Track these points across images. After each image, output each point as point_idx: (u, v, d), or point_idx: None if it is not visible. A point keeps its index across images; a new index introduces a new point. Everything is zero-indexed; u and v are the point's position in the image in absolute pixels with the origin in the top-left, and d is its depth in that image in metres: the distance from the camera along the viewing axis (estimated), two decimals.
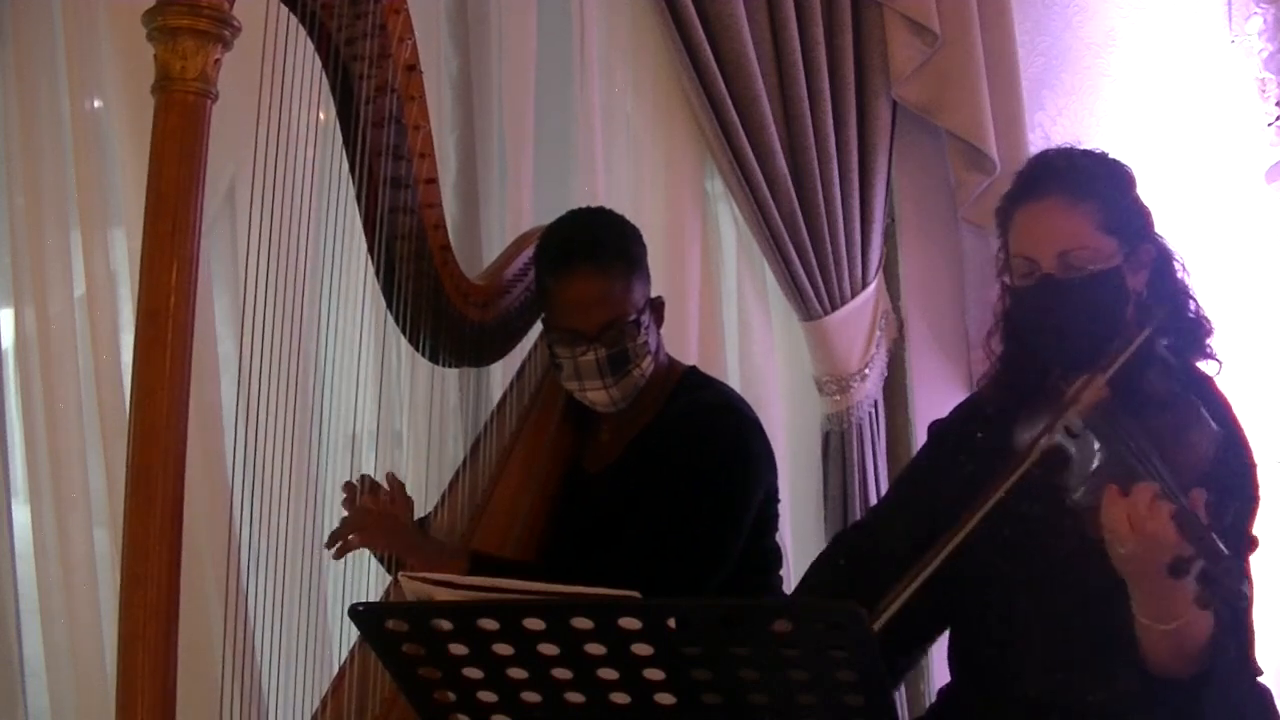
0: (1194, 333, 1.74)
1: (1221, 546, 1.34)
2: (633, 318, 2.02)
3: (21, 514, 2.52)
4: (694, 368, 2.23)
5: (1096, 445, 1.50)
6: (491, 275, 2.16)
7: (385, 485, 2.03)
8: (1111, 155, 1.78)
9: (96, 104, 2.53)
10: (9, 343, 2.55)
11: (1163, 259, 1.74)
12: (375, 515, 1.98)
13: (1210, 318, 1.75)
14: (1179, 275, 1.75)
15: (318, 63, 1.73)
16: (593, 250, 2.02)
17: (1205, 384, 1.71)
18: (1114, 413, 1.50)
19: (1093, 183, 1.71)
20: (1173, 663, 1.52)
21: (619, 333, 2.00)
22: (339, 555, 1.96)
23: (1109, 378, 1.52)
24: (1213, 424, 1.52)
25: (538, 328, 2.27)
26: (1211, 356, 1.74)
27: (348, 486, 2.01)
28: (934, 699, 1.97)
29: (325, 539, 1.96)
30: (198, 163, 1.46)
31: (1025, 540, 1.67)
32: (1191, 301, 1.75)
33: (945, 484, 1.76)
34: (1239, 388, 2.76)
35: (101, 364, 2.47)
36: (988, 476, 1.56)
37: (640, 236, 2.12)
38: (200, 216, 1.48)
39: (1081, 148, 1.80)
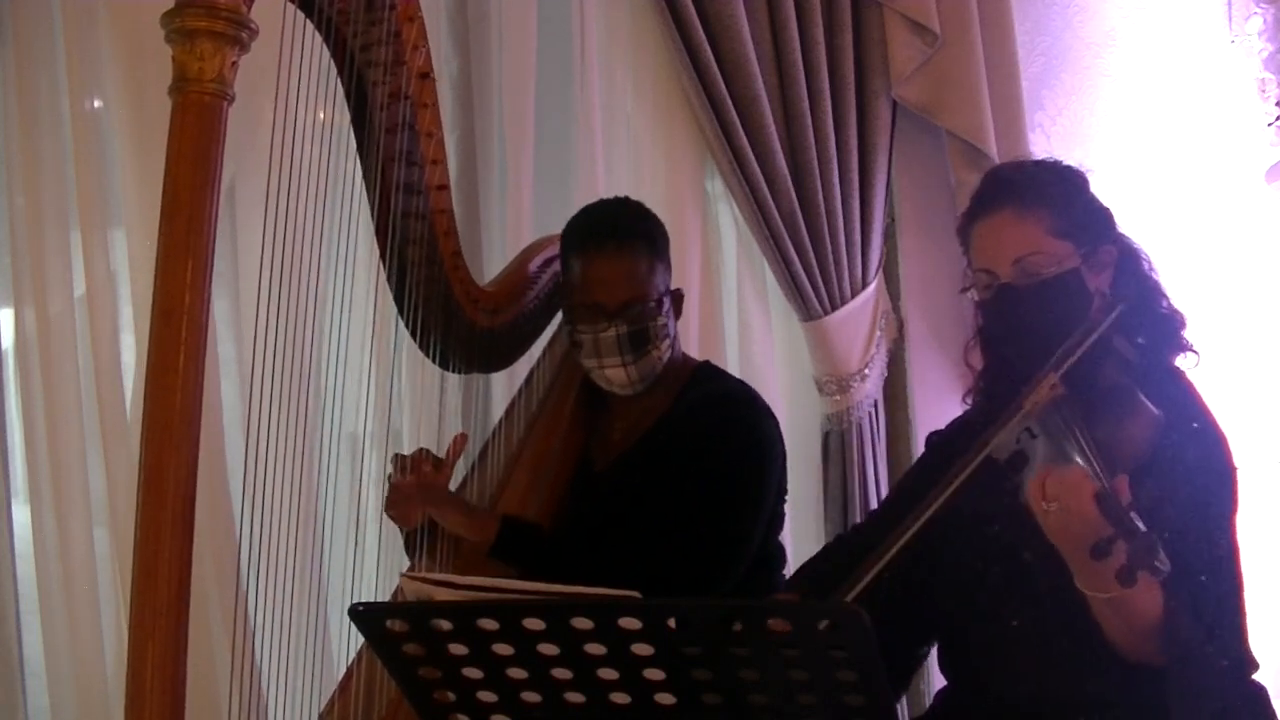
0: (1166, 329, 1.75)
1: (1139, 525, 1.38)
2: (654, 300, 2.05)
3: (21, 514, 2.52)
4: (708, 362, 2.25)
5: (1046, 440, 1.53)
6: (501, 282, 2.17)
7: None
8: (1063, 162, 1.81)
9: (96, 104, 2.53)
10: (9, 343, 2.55)
11: (1128, 258, 1.75)
12: (408, 485, 2.01)
13: (1182, 312, 1.77)
14: (1147, 273, 1.77)
15: (321, 64, 1.74)
16: (619, 231, 2.08)
17: (1177, 380, 1.72)
18: (1065, 407, 1.52)
19: (1042, 190, 1.73)
20: (1131, 641, 1.54)
21: (640, 312, 2.03)
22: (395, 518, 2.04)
23: (1062, 374, 1.54)
24: (1151, 409, 1.54)
25: (546, 335, 2.27)
26: (1187, 349, 1.75)
27: (398, 459, 2.04)
28: (934, 699, 1.97)
29: (327, 539, 1.97)
30: (213, 163, 1.48)
31: (1012, 545, 1.68)
32: (1163, 298, 1.76)
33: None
34: (1239, 387, 2.78)
35: (101, 364, 2.47)
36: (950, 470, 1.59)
37: (664, 228, 2.16)
38: (215, 216, 1.49)
39: (1033, 159, 1.85)
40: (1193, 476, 1.59)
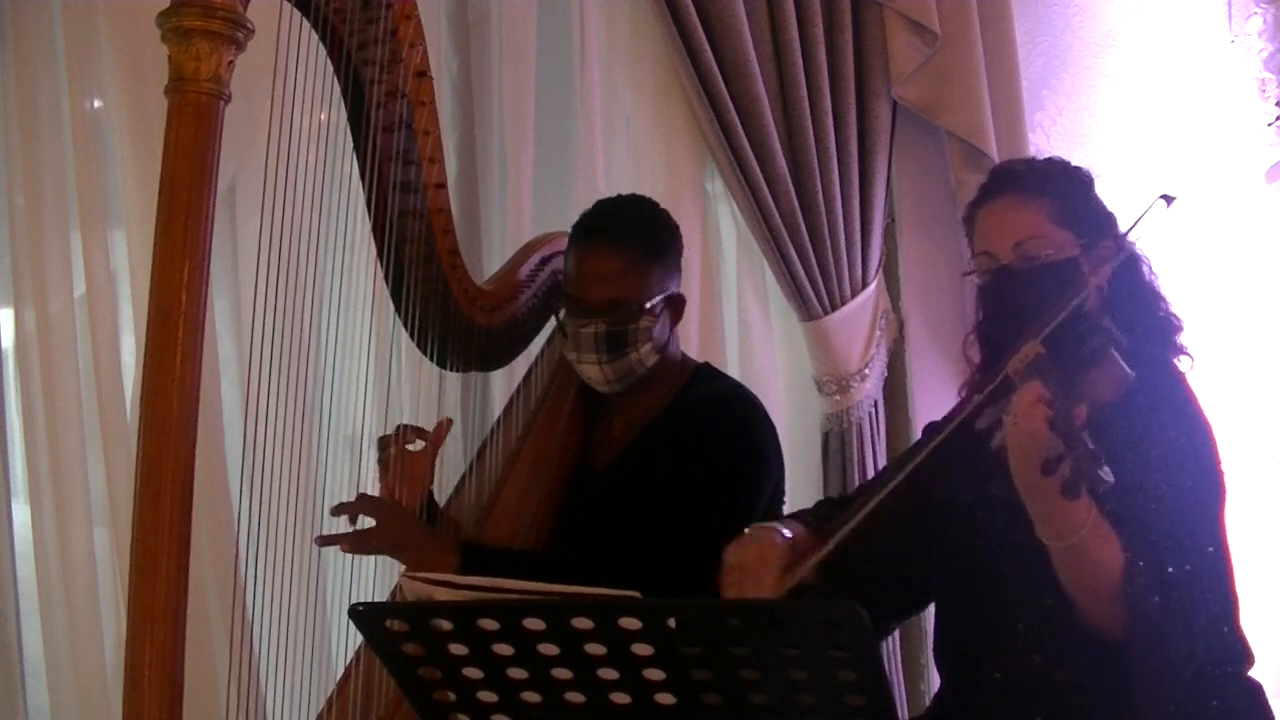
0: (1164, 332, 1.77)
1: (1088, 441, 1.41)
2: (643, 304, 2.04)
3: (21, 514, 2.51)
4: (707, 364, 2.25)
5: None
6: (499, 281, 2.17)
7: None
8: (1071, 161, 1.84)
9: (96, 104, 2.53)
10: (9, 343, 2.55)
11: (1129, 260, 1.76)
12: (375, 506, 1.98)
13: (1180, 316, 1.79)
14: (1147, 277, 1.78)
15: (321, 64, 1.74)
16: (617, 229, 2.08)
17: (1174, 378, 1.73)
18: (1042, 364, 1.54)
19: (1046, 180, 1.78)
20: (1091, 600, 1.55)
21: (622, 313, 2.03)
22: (321, 544, 1.98)
23: (1043, 339, 1.55)
24: (1124, 367, 1.56)
25: (545, 333, 2.27)
26: (1183, 353, 1.77)
27: (383, 440, 2.02)
28: (932, 700, 1.98)
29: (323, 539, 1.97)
30: (210, 163, 1.48)
31: (1003, 527, 1.69)
32: (1161, 301, 1.79)
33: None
34: (1239, 387, 2.78)
35: (101, 364, 2.47)
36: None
37: (676, 231, 2.16)
38: (212, 216, 1.49)
39: (1042, 157, 1.90)
40: (1172, 464, 1.60)
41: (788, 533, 1.73)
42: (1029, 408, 1.46)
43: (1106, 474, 1.40)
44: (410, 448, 2.04)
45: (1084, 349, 1.60)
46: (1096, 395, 1.54)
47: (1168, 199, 1.65)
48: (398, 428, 2.03)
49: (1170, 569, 1.54)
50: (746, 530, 1.74)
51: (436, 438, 2.04)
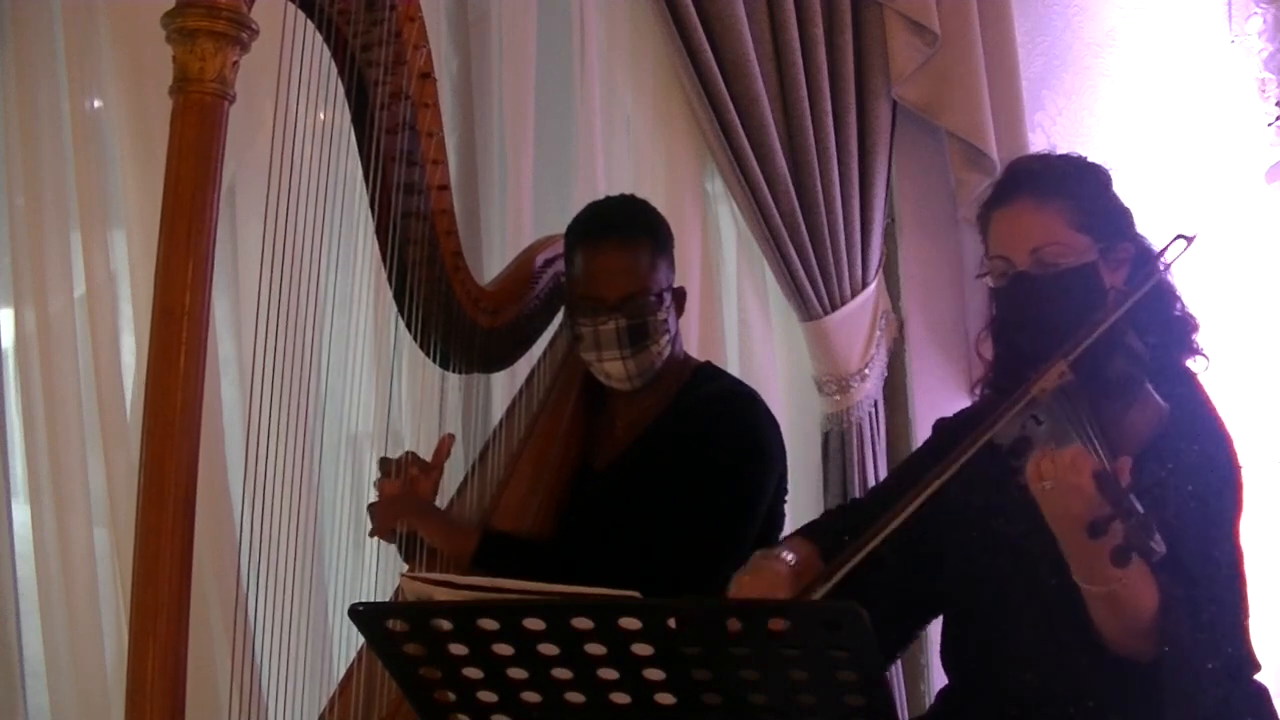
0: (1180, 331, 1.75)
1: (1137, 506, 1.38)
2: (655, 295, 2.06)
3: (21, 514, 2.52)
4: (709, 362, 2.26)
5: (1051, 425, 1.53)
6: (502, 282, 2.17)
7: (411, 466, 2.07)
8: (1088, 158, 1.81)
9: (96, 104, 2.54)
10: (9, 343, 2.55)
11: (1144, 258, 1.75)
12: (389, 495, 2.02)
13: (1195, 315, 1.77)
14: (1163, 275, 1.76)
15: (321, 64, 1.74)
16: (622, 225, 2.10)
17: (1188, 381, 1.72)
18: (1072, 394, 1.53)
19: (1064, 182, 1.74)
20: (1123, 637, 1.54)
21: (640, 306, 2.05)
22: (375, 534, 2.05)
23: (1071, 362, 1.54)
24: (1158, 400, 1.54)
25: (547, 335, 2.28)
26: (1198, 353, 1.75)
27: (383, 463, 2.05)
28: (934, 699, 1.97)
29: (328, 539, 1.98)
30: (214, 163, 1.49)
31: (1018, 537, 1.68)
32: (1177, 301, 1.77)
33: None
34: (1239, 387, 2.78)
35: (101, 364, 2.47)
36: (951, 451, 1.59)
37: (668, 225, 2.18)
38: (215, 216, 1.49)
39: (1058, 153, 1.84)
40: (1195, 476, 1.59)
41: (791, 557, 1.70)
42: (1074, 461, 1.43)
43: (1158, 544, 1.37)
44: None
45: (1110, 369, 1.58)
46: (1135, 438, 1.51)
47: (1187, 239, 1.63)
48: (402, 457, 2.03)
49: (1199, 589, 1.52)
50: (751, 559, 1.71)
51: (437, 461, 2.05)
